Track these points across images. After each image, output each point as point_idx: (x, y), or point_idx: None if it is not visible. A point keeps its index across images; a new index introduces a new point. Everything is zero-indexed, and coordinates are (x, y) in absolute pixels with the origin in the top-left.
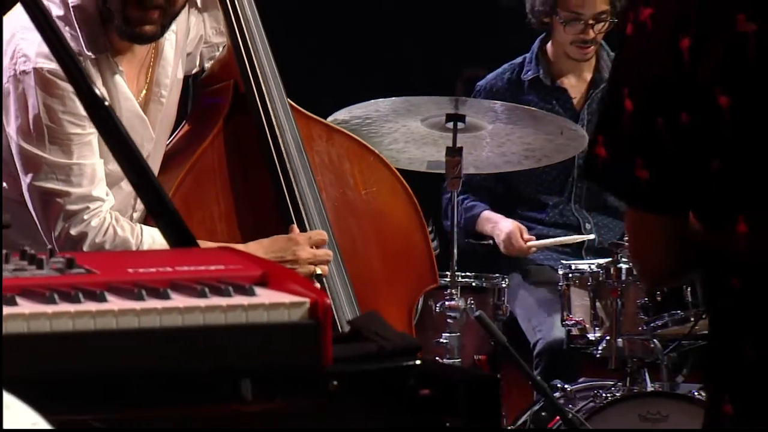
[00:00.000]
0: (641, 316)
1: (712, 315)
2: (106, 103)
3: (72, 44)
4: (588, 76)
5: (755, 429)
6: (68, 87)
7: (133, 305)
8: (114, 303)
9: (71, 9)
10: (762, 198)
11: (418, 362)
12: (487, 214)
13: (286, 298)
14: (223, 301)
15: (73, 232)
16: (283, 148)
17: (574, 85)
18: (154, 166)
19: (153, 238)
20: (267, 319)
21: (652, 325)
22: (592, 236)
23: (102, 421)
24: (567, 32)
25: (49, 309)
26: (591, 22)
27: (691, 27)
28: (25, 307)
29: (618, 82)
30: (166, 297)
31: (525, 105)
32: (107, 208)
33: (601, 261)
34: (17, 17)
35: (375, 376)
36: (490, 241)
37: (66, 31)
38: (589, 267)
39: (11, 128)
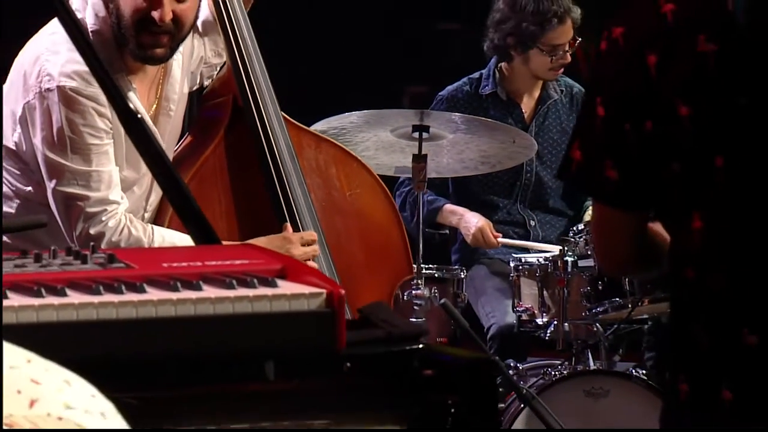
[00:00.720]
0: (584, 303)
1: (670, 303)
2: (139, 116)
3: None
4: (537, 93)
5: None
6: (88, 102)
7: (170, 296)
8: (152, 294)
9: (90, 33)
10: (715, 197)
11: (421, 346)
12: (451, 207)
13: (305, 289)
14: (249, 292)
15: (92, 231)
16: (277, 155)
17: (526, 101)
18: None
19: (162, 237)
20: (288, 308)
21: (594, 311)
22: (556, 250)
23: (139, 400)
24: (547, 60)
25: (96, 299)
26: (567, 48)
27: (657, 45)
28: (74, 297)
29: (593, 92)
30: (199, 288)
31: (482, 116)
32: (122, 210)
33: (548, 254)
34: (43, 40)
35: (383, 358)
36: (446, 231)
37: None
38: (537, 260)
39: (37, 139)
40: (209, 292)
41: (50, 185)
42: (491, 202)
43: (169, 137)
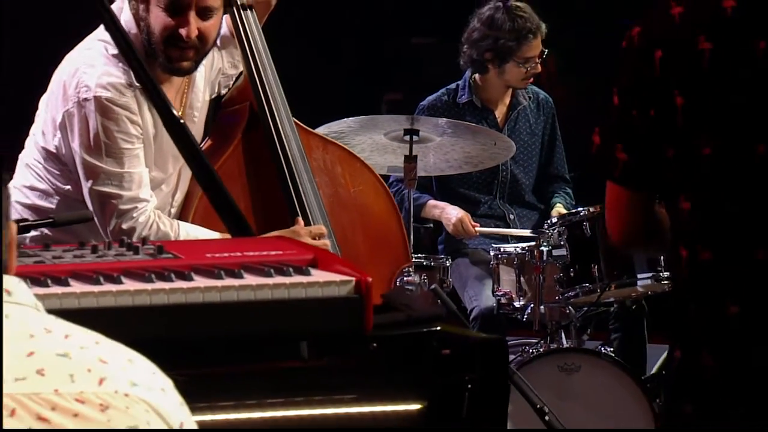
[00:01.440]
0: (558, 288)
1: (671, 280)
2: (182, 121)
3: (123, 77)
4: (508, 100)
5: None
6: (121, 111)
7: (215, 283)
8: (199, 282)
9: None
10: (701, 183)
11: (438, 328)
12: (433, 202)
13: (336, 276)
14: (286, 280)
15: (124, 226)
16: (289, 156)
17: (498, 108)
18: (188, 172)
19: (187, 232)
20: (321, 294)
21: (566, 295)
22: (526, 232)
23: (187, 377)
24: (521, 71)
25: (149, 286)
26: (538, 60)
27: (663, 42)
28: (129, 285)
29: (612, 84)
30: (240, 277)
31: (457, 121)
32: (151, 207)
33: (525, 245)
34: (80, 55)
35: (406, 339)
36: (431, 225)
37: (119, 67)
38: (515, 249)
39: (75, 143)
40: (250, 279)
41: (86, 185)
42: (474, 198)
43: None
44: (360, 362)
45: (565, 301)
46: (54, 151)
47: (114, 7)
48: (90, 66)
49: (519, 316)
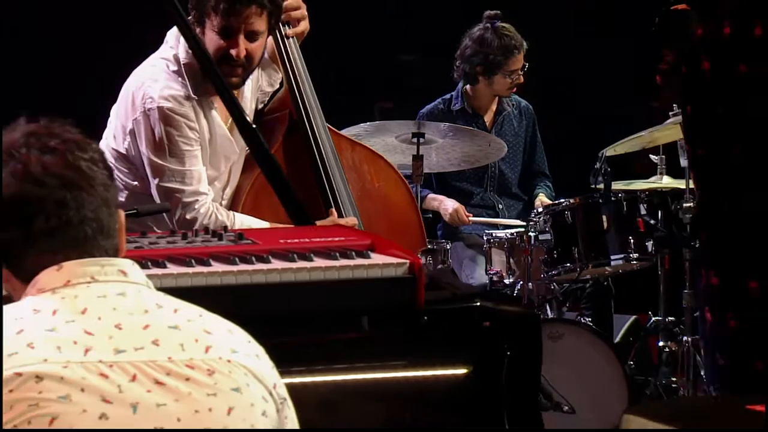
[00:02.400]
0: (543, 268)
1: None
2: (254, 126)
3: (182, 90)
4: (494, 107)
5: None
6: (181, 119)
7: (290, 265)
8: (276, 264)
9: (182, 65)
10: (704, 176)
11: (478, 303)
12: (432, 195)
13: (393, 259)
14: (350, 262)
15: (188, 216)
16: (324, 156)
17: (487, 114)
18: (237, 170)
19: (241, 221)
20: (380, 275)
21: (550, 273)
22: (512, 221)
23: (265, 346)
24: (507, 81)
25: (234, 268)
26: (521, 72)
27: (687, 60)
28: (217, 267)
29: None
30: (311, 259)
31: (457, 125)
32: (210, 200)
33: (514, 230)
34: (146, 71)
35: (451, 313)
36: (430, 215)
37: (178, 81)
38: (505, 234)
39: (143, 147)
40: (319, 262)
41: (154, 182)
42: (468, 190)
43: (242, 142)
44: (412, 333)
45: (549, 279)
46: (124, 152)
47: (174, 30)
48: (154, 80)
49: (509, 292)
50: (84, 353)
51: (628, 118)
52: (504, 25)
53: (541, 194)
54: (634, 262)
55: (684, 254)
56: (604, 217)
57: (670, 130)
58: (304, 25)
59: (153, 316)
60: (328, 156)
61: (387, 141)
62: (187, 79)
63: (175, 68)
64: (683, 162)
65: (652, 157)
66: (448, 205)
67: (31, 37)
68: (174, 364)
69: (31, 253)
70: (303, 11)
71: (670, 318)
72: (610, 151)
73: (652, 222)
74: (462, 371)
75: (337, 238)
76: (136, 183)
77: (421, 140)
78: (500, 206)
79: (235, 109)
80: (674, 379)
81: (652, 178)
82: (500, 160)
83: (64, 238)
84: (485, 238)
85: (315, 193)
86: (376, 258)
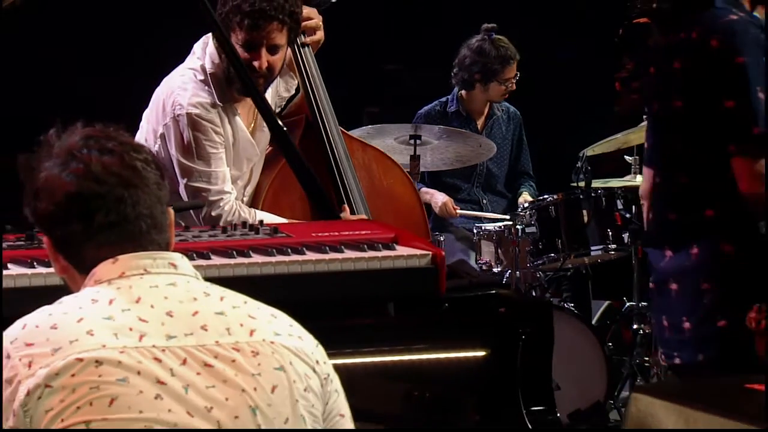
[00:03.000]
0: (529, 258)
1: None
2: (284, 128)
3: (209, 98)
4: (486, 111)
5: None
6: (207, 124)
7: (323, 257)
8: (310, 256)
9: (208, 75)
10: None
11: (494, 291)
12: (425, 189)
13: (417, 251)
14: (378, 254)
15: (213, 213)
16: (337, 156)
17: (479, 117)
18: (258, 170)
19: (262, 218)
20: (406, 265)
21: (536, 263)
22: (497, 216)
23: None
24: (502, 88)
25: (273, 259)
26: (514, 80)
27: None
28: (256, 258)
29: None
30: (341, 251)
31: (451, 128)
32: (233, 198)
33: (503, 224)
34: (175, 80)
35: (470, 300)
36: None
37: (205, 90)
38: (494, 227)
39: (172, 149)
40: (349, 254)
41: (182, 182)
42: (456, 186)
43: (261, 146)
44: (434, 319)
45: (535, 268)
46: (155, 154)
47: (201, 42)
48: (183, 89)
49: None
50: (139, 339)
51: (605, 121)
52: (500, 37)
53: (525, 192)
54: (612, 252)
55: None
56: (585, 212)
57: (643, 132)
58: (320, 35)
59: (201, 304)
60: (341, 156)
61: (386, 142)
62: (213, 88)
63: (202, 78)
64: None
65: (627, 157)
66: (438, 198)
67: (73, 48)
68: (221, 348)
69: (90, 246)
70: (318, 21)
71: (643, 303)
72: (589, 152)
73: (627, 216)
74: (480, 353)
75: (363, 232)
76: (165, 182)
77: (418, 142)
78: (485, 201)
79: (267, 112)
80: (647, 358)
81: (627, 177)
82: (489, 159)
83: (122, 232)
84: (475, 231)
85: (329, 190)
86: (401, 250)
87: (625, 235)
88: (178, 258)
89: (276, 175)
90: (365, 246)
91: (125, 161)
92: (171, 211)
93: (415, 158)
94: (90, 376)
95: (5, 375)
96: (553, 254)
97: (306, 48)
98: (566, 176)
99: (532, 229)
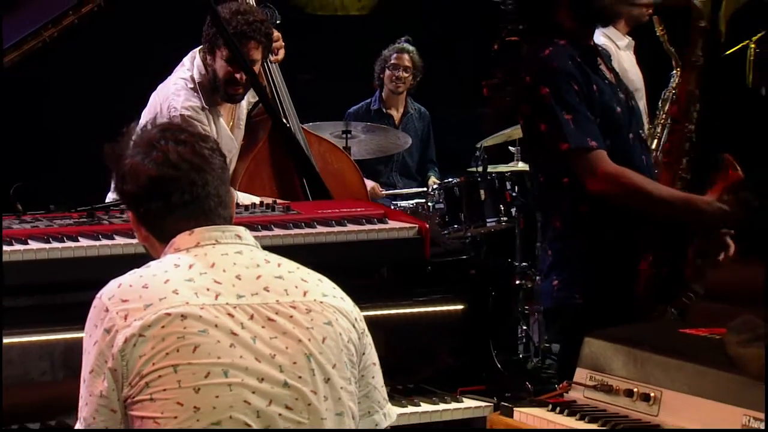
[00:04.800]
0: (439, 228)
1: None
2: (289, 125)
3: (198, 102)
4: (402, 109)
5: None
6: (197, 123)
7: (331, 230)
8: (321, 229)
9: (197, 84)
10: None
11: (465, 257)
12: None
13: (405, 224)
14: (375, 227)
15: None
16: (299, 146)
17: (395, 114)
18: (235, 159)
19: (242, 198)
20: (397, 236)
21: (443, 233)
22: (412, 191)
23: None
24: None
25: (291, 232)
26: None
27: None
28: (277, 231)
29: None
30: (345, 225)
31: (373, 122)
32: None
33: (417, 201)
34: (170, 86)
35: (449, 264)
36: None
37: (195, 96)
38: (408, 204)
39: None
40: (351, 227)
41: None
42: (378, 171)
43: (239, 139)
44: (421, 279)
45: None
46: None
47: (189, 55)
48: (176, 95)
49: None
50: (215, 298)
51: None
52: (405, 46)
53: (432, 176)
54: (503, 223)
55: (537, 217)
56: (482, 191)
57: None
58: (282, 53)
59: (263, 269)
60: (303, 146)
61: (323, 137)
62: (200, 94)
63: (192, 86)
64: None
65: (510, 147)
66: (367, 183)
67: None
68: (281, 306)
69: (170, 220)
70: (281, 42)
71: (524, 263)
72: (486, 143)
73: (514, 194)
74: (459, 307)
75: (358, 209)
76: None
77: (349, 136)
78: (400, 184)
79: (272, 111)
80: (527, 307)
81: (511, 163)
82: (404, 150)
83: (194, 209)
84: (392, 207)
85: (293, 174)
86: (393, 223)
87: (513, 210)
88: (242, 230)
89: (249, 162)
90: (363, 220)
91: (196, 150)
92: (233, 190)
93: (346, 149)
94: (176, 328)
95: (104, 325)
96: (457, 225)
97: (273, 63)
98: (467, 163)
99: (441, 206)
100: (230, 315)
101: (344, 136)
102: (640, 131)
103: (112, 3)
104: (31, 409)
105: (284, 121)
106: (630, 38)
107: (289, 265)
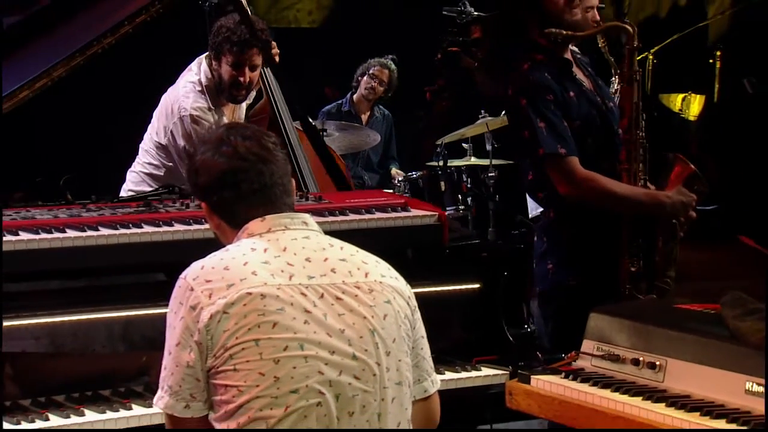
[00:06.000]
0: None
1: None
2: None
3: (205, 103)
4: (369, 111)
5: None
6: (205, 123)
7: (361, 217)
8: (351, 216)
9: (204, 86)
10: None
11: (478, 241)
12: None
13: (426, 212)
14: (400, 214)
15: None
16: (293, 143)
17: (363, 115)
18: None
19: None
20: (420, 222)
21: None
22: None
23: None
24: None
25: (328, 219)
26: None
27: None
28: (317, 219)
29: None
30: (373, 213)
31: (343, 122)
32: None
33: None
34: (180, 88)
35: (465, 248)
36: None
37: (202, 97)
38: None
39: (180, 140)
40: (379, 215)
41: (185, 164)
42: (347, 166)
43: None
44: (440, 260)
45: None
46: (164, 144)
47: (196, 61)
48: (186, 97)
49: None
50: (289, 279)
51: (452, 119)
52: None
53: (393, 169)
54: (461, 211)
55: (489, 205)
56: (442, 183)
57: (477, 128)
58: (276, 59)
59: (329, 252)
60: (295, 143)
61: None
62: (207, 96)
63: (200, 89)
64: (488, 146)
65: (464, 144)
66: None
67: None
68: (347, 286)
69: (241, 208)
70: (277, 50)
71: None
72: (445, 140)
73: (470, 186)
74: (475, 286)
75: (381, 199)
76: (171, 164)
77: (324, 134)
78: (365, 177)
79: (276, 111)
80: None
81: (465, 158)
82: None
83: (263, 196)
84: None
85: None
86: (414, 211)
87: (469, 199)
88: (308, 217)
89: None
90: (389, 209)
91: (261, 143)
92: (293, 180)
93: None
94: (257, 306)
95: (190, 303)
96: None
97: (269, 69)
98: (428, 158)
99: (407, 194)
100: (303, 294)
101: (321, 134)
102: (618, 129)
103: (168, 12)
104: (91, 377)
105: (279, 119)
106: (576, 48)
107: (350, 248)
